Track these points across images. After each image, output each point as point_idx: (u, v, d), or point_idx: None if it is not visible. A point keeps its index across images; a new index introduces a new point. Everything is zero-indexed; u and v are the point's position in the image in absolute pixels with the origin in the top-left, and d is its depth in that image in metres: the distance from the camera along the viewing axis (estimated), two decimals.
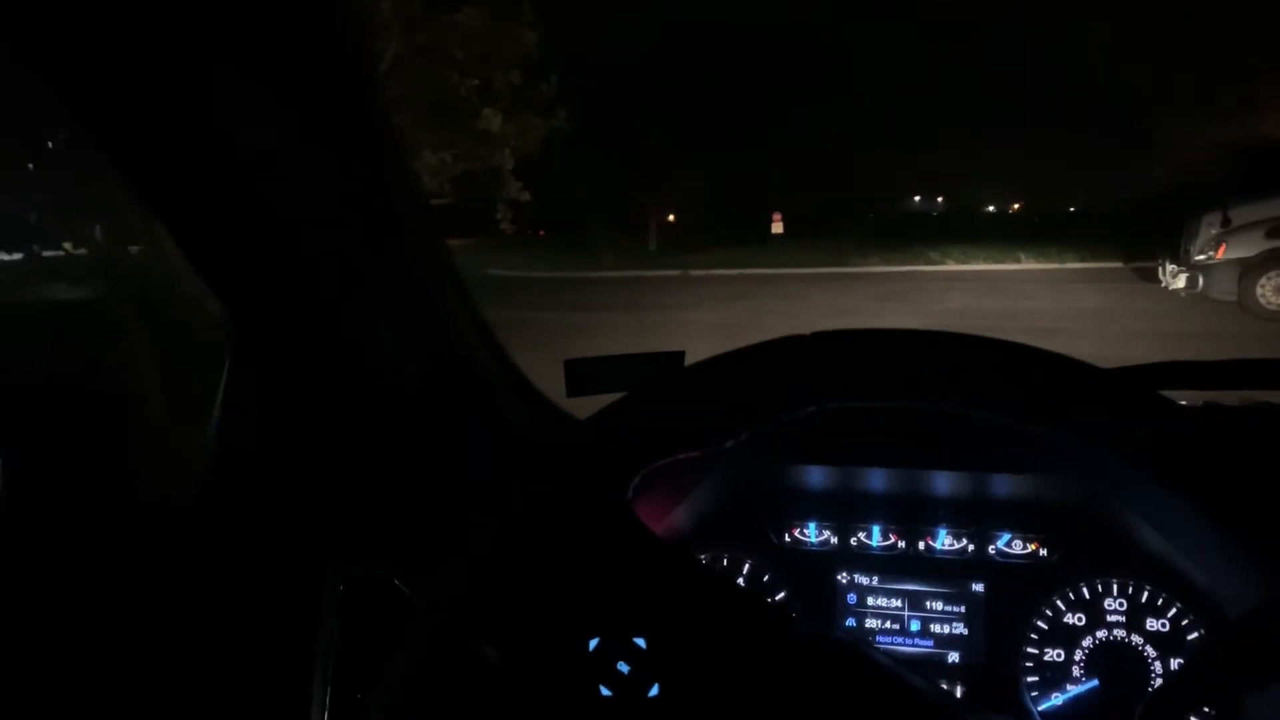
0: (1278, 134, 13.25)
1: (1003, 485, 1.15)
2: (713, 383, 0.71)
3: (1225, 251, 11.54)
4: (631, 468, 0.71)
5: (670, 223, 33.86)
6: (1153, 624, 1.09)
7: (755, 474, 1.21)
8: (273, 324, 0.92)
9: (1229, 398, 1.16)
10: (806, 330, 0.73)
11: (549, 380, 1.20)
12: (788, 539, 1.21)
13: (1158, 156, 15.51)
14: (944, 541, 1.17)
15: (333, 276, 0.85)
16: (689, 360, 0.84)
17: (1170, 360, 1.08)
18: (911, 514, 1.18)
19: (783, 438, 1.11)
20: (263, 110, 0.73)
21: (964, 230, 27.58)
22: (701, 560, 1.11)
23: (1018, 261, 20.86)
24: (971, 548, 1.16)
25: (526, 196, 14.21)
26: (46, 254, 7.13)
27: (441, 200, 14.21)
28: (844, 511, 1.20)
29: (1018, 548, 1.15)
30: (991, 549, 1.16)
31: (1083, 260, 20.29)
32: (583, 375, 1.10)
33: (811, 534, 1.21)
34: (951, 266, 20.77)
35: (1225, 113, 13.54)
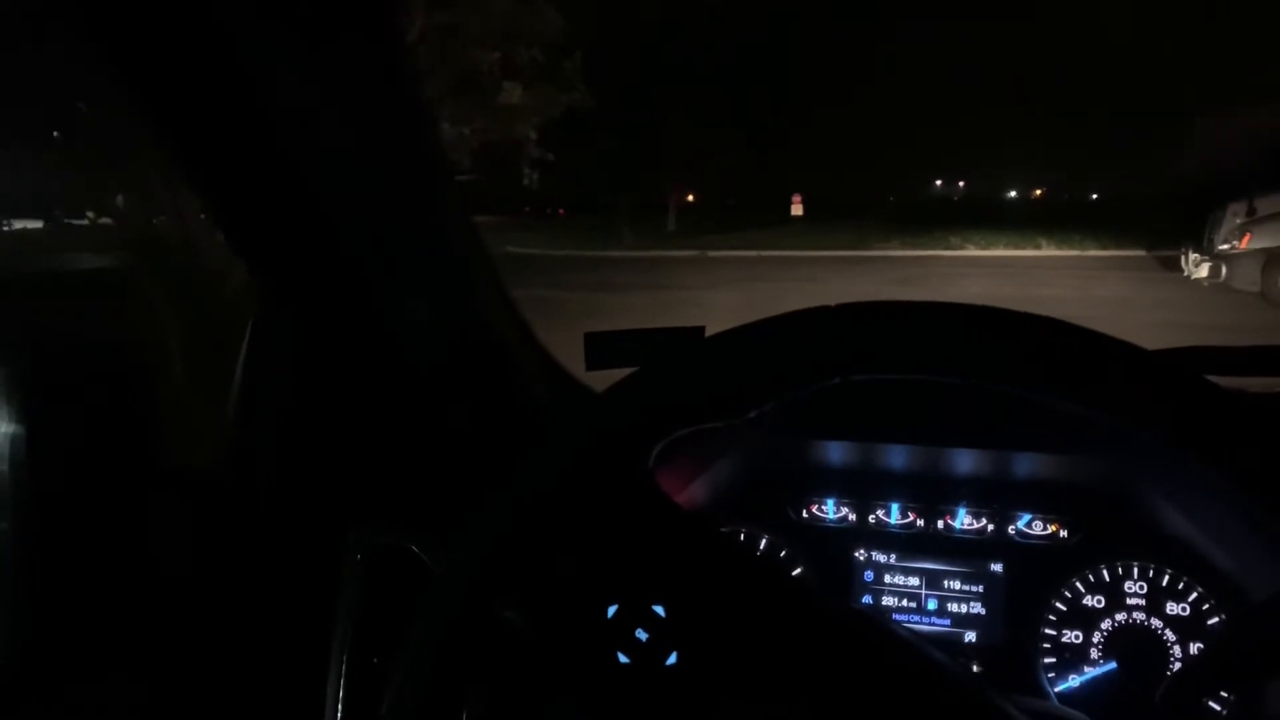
0: None
1: (1024, 464, 1.14)
2: (737, 353, 0.70)
3: (1250, 241, 11.42)
4: (653, 437, 0.71)
5: (690, 203, 33.77)
6: (1173, 608, 1.08)
7: (776, 449, 1.21)
8: (302, 290, 0.93)
9: (1254, 384, 1.15)
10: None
11: (567, 358, 1.20)
12: (806, 515, 1.21)
13: (1184, 145, 15.27)
14: (963, 521, 1.17)
15: (364, 244, 0.86)
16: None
17: (1196, 345, 1.07)
18: (931, 492, 1.17)
19: (805, 412, 1.12)
20: (304, 77, 0.73)
21: (985, 215, 27.38)
22: (722, 532, 1.11)
23: (1038, 248, 20.71)
24: (991, 527, 1.16)
25: (550, 157, 14.12)
26: (69, 221, 7.16)
27: (463, 176, 14.21)
28: (863, 488, 1.20)
29: (1038, 529, 1.14)
30: (1011, 529, 1.15)
31: (1104, 248, 20.10)
32: (602, 349, 1.10)
33: (830, 510, 1.20)
34: (972, 252, 20.63)
35: (1254, 101, 13.32)
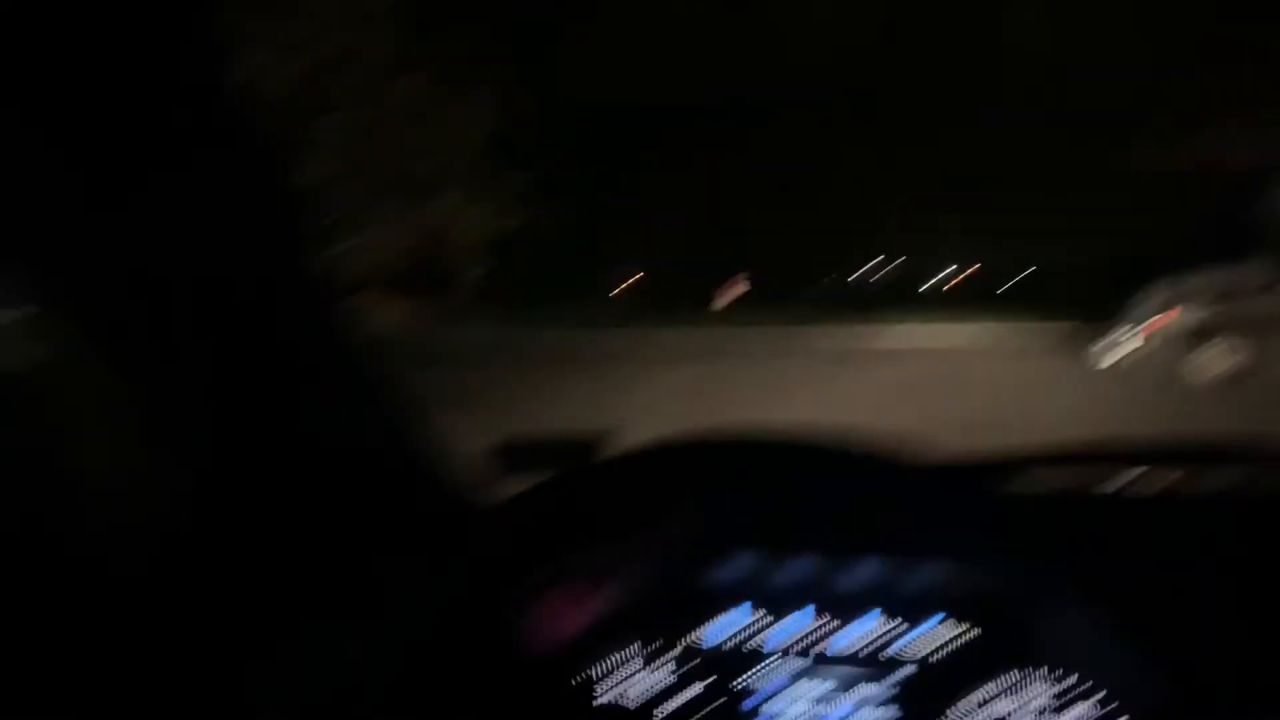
0: (1222, 206, 13.76)
1: (932, 571, 1.14)
2: (598, 488, 0.72)
3: (1171, 319, 11.92)
4: (523, 573, 0.73)
5: (636, 281, 34.06)
6: (1080, 711, 1.08)
7: (678, 562, 1.19)
8: (174, 394, 0.93)
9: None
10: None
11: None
12: (706, 631, 1.18)
13: (1113, 225, 15.96)
14: (872, 627, 1.15)
15: (234, 353, 0.86)
16: (640, 429, 0.86)
17: (1100, 437, 1.13)
18: (839, 600, 1.16)
19: (707, 526, 1.13)
20: (161, 198, 0.75)
21: (919, 294, 28.00)
22: (582, 676, 1.12)
23: (976, 322, 21.21)
24: (897, 636, 1.15)
25: (491, 262, 14.10)
26: None
27: (396, 261, 14.04)
28: (771, 598, 1.18)
29: (944, 635, 1.14)
30: (917, 636, 1.14)
31: (1033, 324, 20.65)
32: (520, 454, 1.10)
33: (744, 616, 1.18)
34: (906, 330, 21.06)
35: (1172, 188, 14.04)
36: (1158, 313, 11.97)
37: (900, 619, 1.15)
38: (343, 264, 12.76)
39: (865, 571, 1.16)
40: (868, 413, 9.58)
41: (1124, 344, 12.59)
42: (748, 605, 1.18)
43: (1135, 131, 13.77)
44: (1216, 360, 11.42)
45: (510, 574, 0.88)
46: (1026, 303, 22.96)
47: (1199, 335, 11.50)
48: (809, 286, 32.24)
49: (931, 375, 13.09)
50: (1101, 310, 15.50)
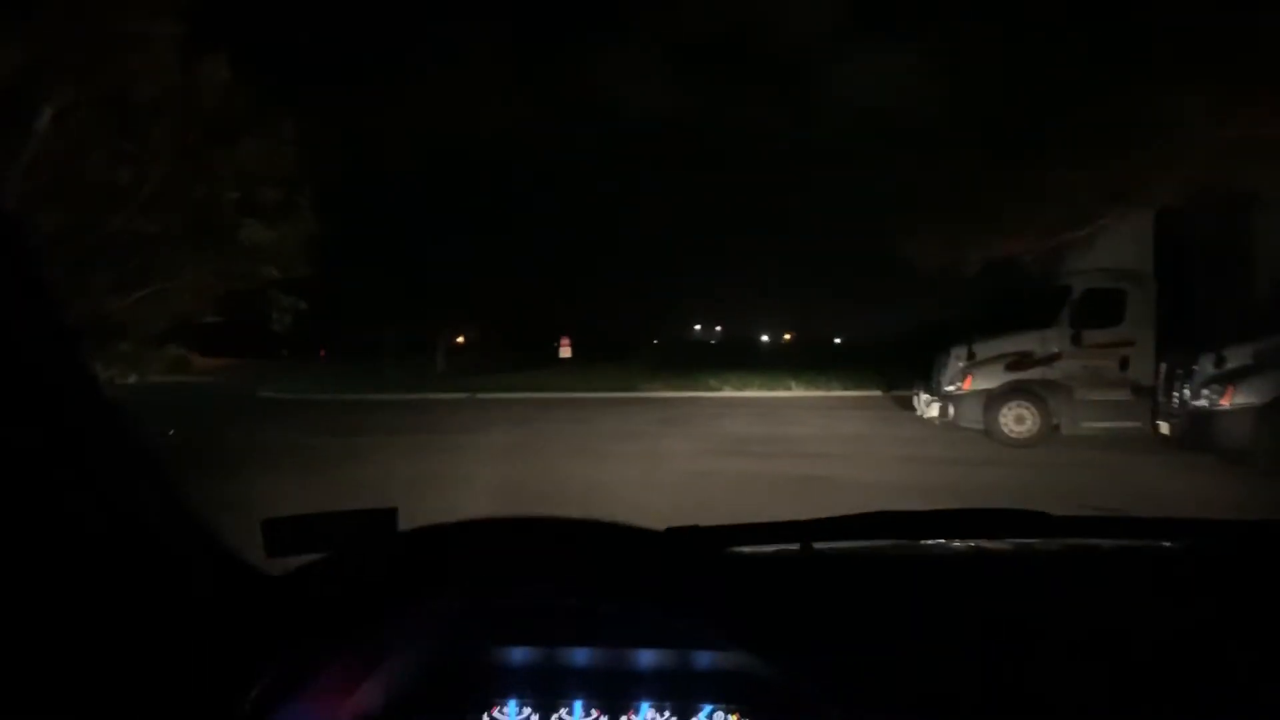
0: (1014, 278, 15.04)
1: (704, 659, 1.15)
2: (357, 578, 0.66)
3: (971, 383, 12.77)
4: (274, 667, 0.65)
5: (459, 344, 33.70)
6: None
7: (455, 647, 1.16)
8: None
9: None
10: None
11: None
12: (486, 718, 1.16)
13: (919, 295, 17.16)
14: (646, 716, 1.15)
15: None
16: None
17: (877, 510, 1.12)
18: (614, 690, 1.15)
19: (477, 614, 1.09)
20: None
21: (741, 358, 29.07)
22: None
23: (789, 389, 22.09)
24: None
25: (303, 305, 13.59)
26: None
27: (209, 320, 13.42)
28: (545, 689, 1.16)
29: None
30: None
31: (847, 389, 21.79)
32: (282, 536, 1.00)
33: (512, 713, 1.16)
34: (729, 393, 21.70)
35: (976, 264, 15.27)
36: (959, 379, 12.81)
37: (669, 714, 1.15)
38: (142, 312, 12.07)
39: (631, 663, 1.16)
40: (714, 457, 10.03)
41: (928, 409, 13.40)
42: (513, 703, 1.16)
43: (929, 228, 15.03)
44: (1013, 422, 12.34)
45: (258, 668, 0.81)
46: (835, 370, 24.19)
47: (996, 400, 12.41)
48: (634, 350, 32.81)
49: (773, 420, 13.57)
50: (903, 378, 16.62)
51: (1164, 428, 11.08)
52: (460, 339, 34.18)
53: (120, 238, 10.98)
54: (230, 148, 11.52)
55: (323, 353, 38.01)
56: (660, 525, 1.07)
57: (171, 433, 11.01)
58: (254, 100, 11.92)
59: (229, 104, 11.60)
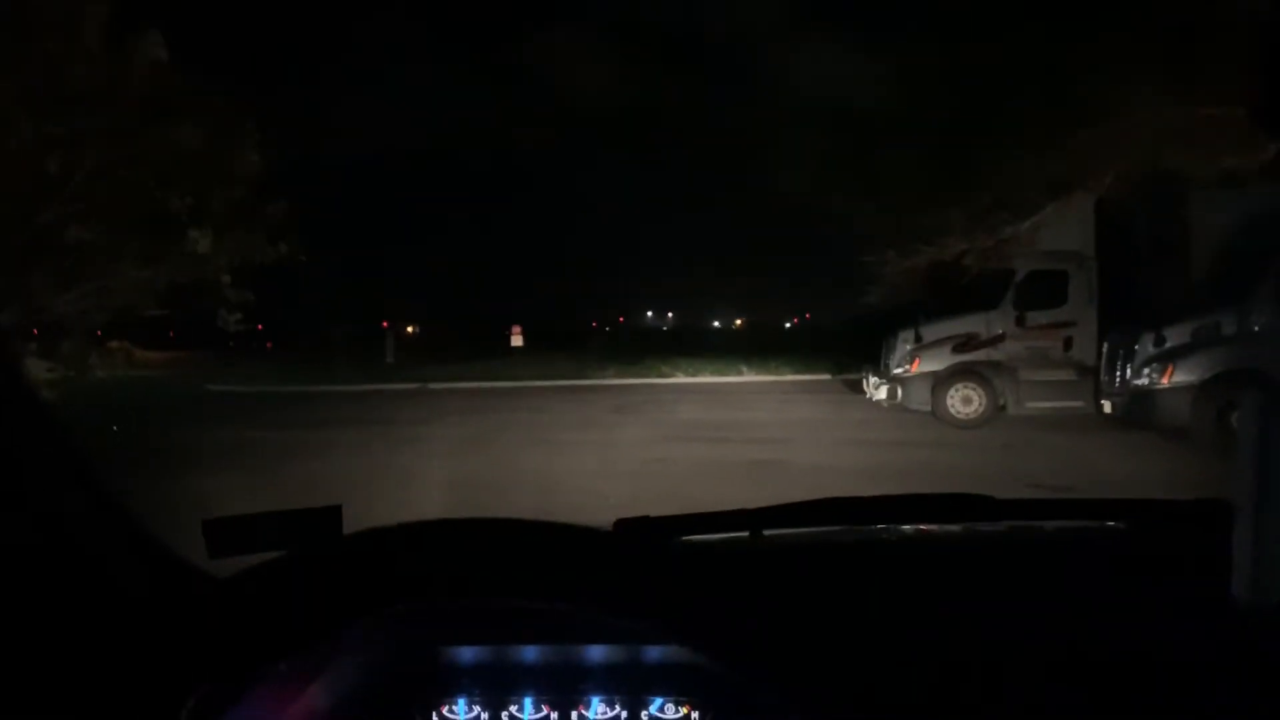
0: (960, 259, 15.28)
1: (653, 652, 1.15)
2: (303, 580, 0.71)
3: (918, 366, 12.94)
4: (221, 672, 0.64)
5: (410, 334, 33.35)
6: None
7: (396, 651, 1.15)
8: None
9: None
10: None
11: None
12: (435, 717, 1.16)
13: (870, 279, 17.32)
14: (597, 710, 1.16)
15: None
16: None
17: (825, 497, 1.13)
18: (563, 685, 1.16)
19: (423, 616, 1.07)
20: None
21: (692, 345, 29.16)
22: None
23: (740, 374, 22.20)
24: (625, 715, 1.16)
25: (250, 297, 13.24)
26: None
27: (153, 312, 13.02)
28: (495, 686, 1.16)
29: (670, 712, 1.15)
30: (644, 715, 1.15)
31: (798, 373, 21.95)
32: (224, 536, 0.98)
33: (461, 711, 1.16)
34: (681, 379, 21.75)
35: (929, 240, 15.50)
36: (906, 362, 12.97)
37: (619, 708, 1.16)
38: (89, 307, 11.70)
39: (580, 658, 1.16)
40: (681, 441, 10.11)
41: (877, 391, 13.56)
42: (463, 701, 1.16)
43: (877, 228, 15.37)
44: (959, 403, 12.54)
45: (199, 672, 0.80)
46: (785, 355, 24.36)
47: (943, 382, 12.60)
48: (585, 338, 32.71)
49: (726, 405, 13.72)
50: (853, 362, 16.77)
51: (1107, 407, 11.30)
52: (410, 329, 33.81)
53: (55, 230, 10.60)
54: (165, 131, 11.08)
55: (269, 345, 37.37)
56: (619, 513, 1.07)
57: (115, 429, 10.75)
58: (194, 84, 11.52)
59: (164, 85, 11.18)
